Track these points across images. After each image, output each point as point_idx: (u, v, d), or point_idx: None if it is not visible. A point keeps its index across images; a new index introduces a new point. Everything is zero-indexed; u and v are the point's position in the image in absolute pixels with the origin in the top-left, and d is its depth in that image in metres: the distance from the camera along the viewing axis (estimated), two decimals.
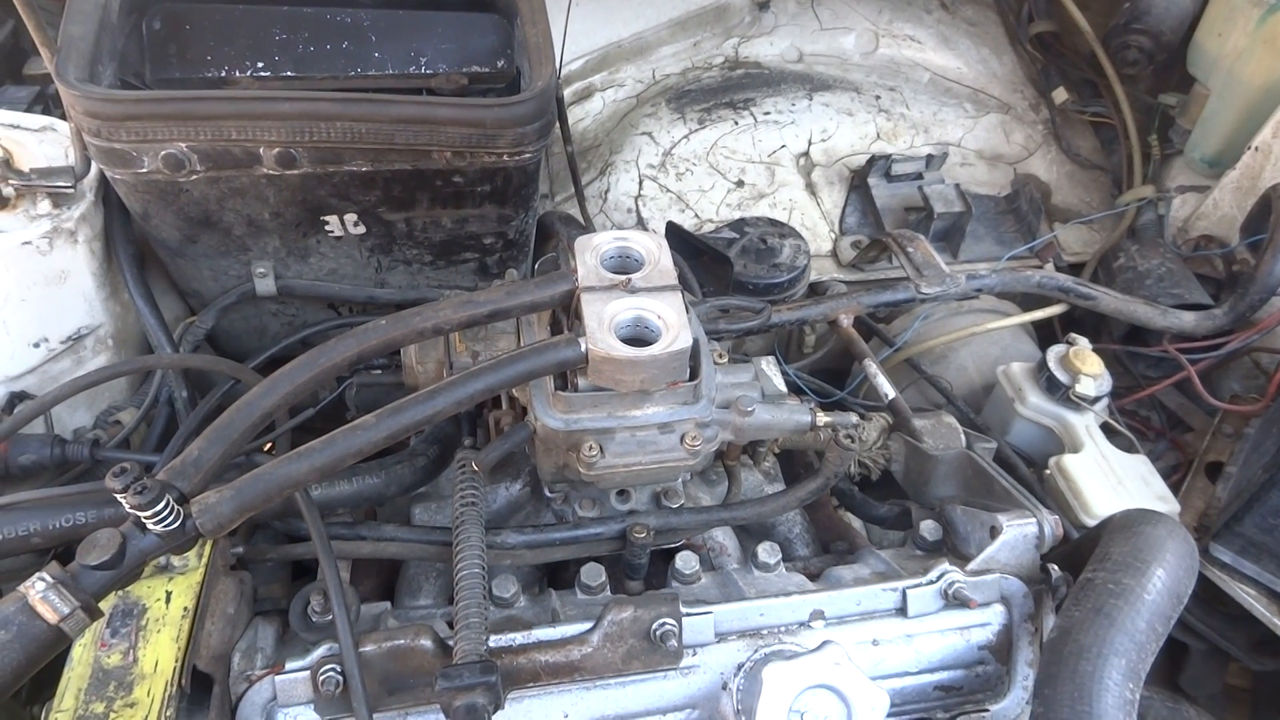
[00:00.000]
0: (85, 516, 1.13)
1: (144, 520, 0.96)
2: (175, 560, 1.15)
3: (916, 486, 1.51)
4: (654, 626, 1.13)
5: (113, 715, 1.00)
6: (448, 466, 1.43)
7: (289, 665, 1.10)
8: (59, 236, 1.40)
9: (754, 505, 1.33)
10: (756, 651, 1.17)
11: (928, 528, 1.37)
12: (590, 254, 1.21)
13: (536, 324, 1.29)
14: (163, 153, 1.33)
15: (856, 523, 1.70)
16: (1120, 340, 2.06)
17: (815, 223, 2.32)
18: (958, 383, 1.96)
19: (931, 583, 1.23)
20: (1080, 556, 1.27)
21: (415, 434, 1.47)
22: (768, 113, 2.49)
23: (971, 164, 2.48)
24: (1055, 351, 1.79)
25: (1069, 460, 1.69)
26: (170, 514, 0.97)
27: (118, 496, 0.95)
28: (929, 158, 2.32)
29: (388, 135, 1.36)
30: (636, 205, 2.34)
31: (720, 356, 1.37)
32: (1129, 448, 1.76)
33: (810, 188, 2.39)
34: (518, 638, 1.14)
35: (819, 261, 2.23)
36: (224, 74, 1.59)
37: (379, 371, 1.67)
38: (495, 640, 1.13)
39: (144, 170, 1.34)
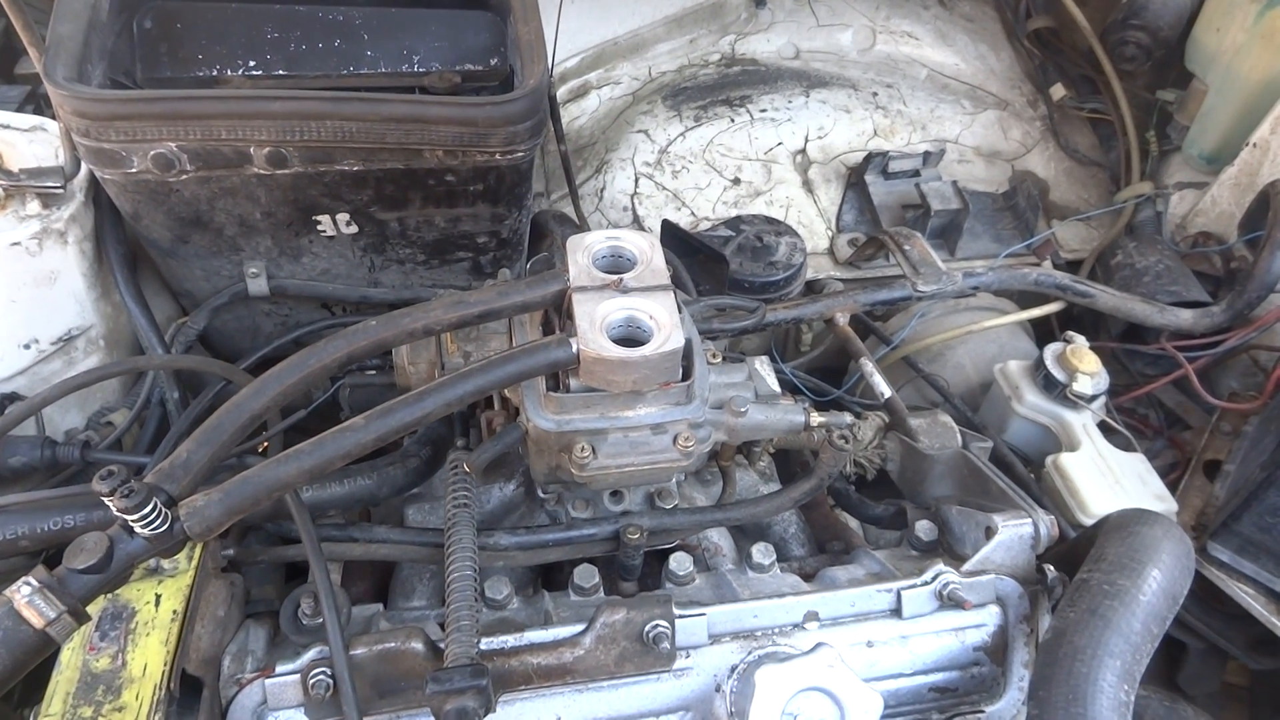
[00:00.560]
0: (74, 519, 1.12)
1: (131, 523, 0.95)
2: (165, 563, 1.14)
3: (912, 486, 1.50)
4: (647, 628, 1.13)
5: (101, 719, 0.99)
6: (441, 467, 1.43)
7: (279, 668, 1.09)
8: (48, 237, 1.39)
9: (748, 506, 1.32)
10: (750, 653, 1.16)
11: (923, 528, 1.36)
12: (582, 253, 1.20)
13: (529, 324, 1.28)
14: (152, 153, 1.32)
15: (853, 522, 1.70)
16: (1118, 338, 2.05)
17: (812, 220, 2.31)
18: (955, 381, 1.95)
19: (926, 584, 1.22)
20: (1077, 556, 1.26)
21: (408, 435, 1.47)
22: (764, 110, 2.48)
23: (969, 161, 2.47)
24: (1052, 349, 1.78)
25: (1066, 459, 1.68)
26: (158, 517, 0.96)
27: (105, 500, 0.94)
28: (926, 155, 2.31)
29: (379, 134, 1.35)
30: (632, 203, 2.33)
31: (714, 356, 1.37)
32: (1126, 446, 1.75)
33: (807, 185, 2.38)
34: (509, 640, 1.14)
35: (816, 259, 2.22)
36: (216, 73, 1.58)
37: (373, 372, 1.67)
38: (487, 642, 1.12)
39: (134, 170, 1.34)
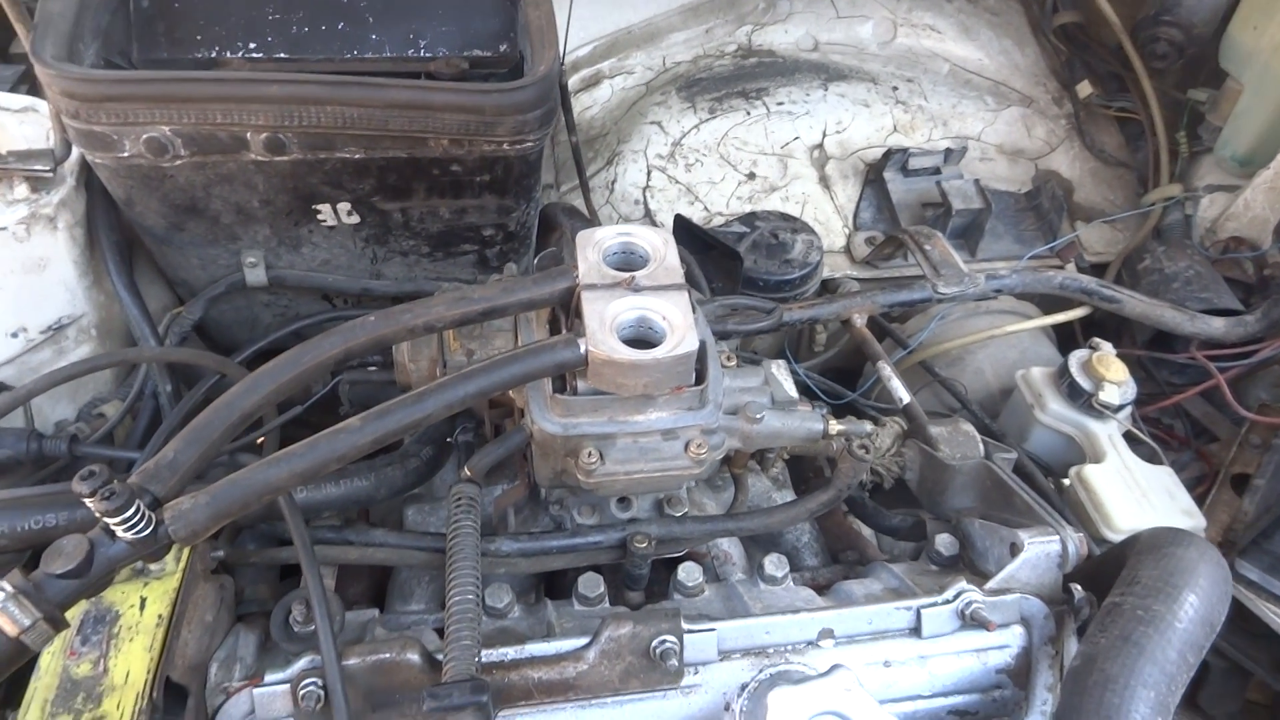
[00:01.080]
0: (56, 519, 1.08)
1: (113, 526, 0.90)
2: (152, 565, 1.09)
3: (931, 496, 1.44)
4: (654, 644, 1.07)
5: None
6: (442, 468, 1.37)
7: (268, 677, 1.04)
8: (37, 222, 1.34)
9: (761, 516, 1.27)
10: (762, 671, 1.11)
11: (944, 542, 1.30)
12: (592, 249, 1.15)
13: (535, 322, 1.22)
14: (145, 136, 1.26)
15: (867, 531, 1.64)
16: (1144, 346, 1.98)
17: (829, 217, 2.25)
18: (974, 387, 1.89)
19: (948, 602, 1.16)
20: (1103, 575, 1.20)
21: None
22: (781, 103, 2.42)
23: (991, 159, 2.40)
24: (1078, 356, 1.71)
25: (1090, 471, 1.62)
26: (141, 520, 0.91)
27: (85, 501, 0.89)
28: (947, 152, 2.24)
29: (381, 121, 1.30)
30: (644, 197, 2.27)
31: (728, 359, 1.31)
32: (1153, 458, 1.68)
33: (824, 181, 2.32)
34: (510, 652, 1.08)
35: (832, 258, 2.16)
36: (214, 55, 1.53)
37: (374, 369, 1.62)
38: (486, 655, 1.07)
39: (125, 154, 1.28)
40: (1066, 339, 2.08)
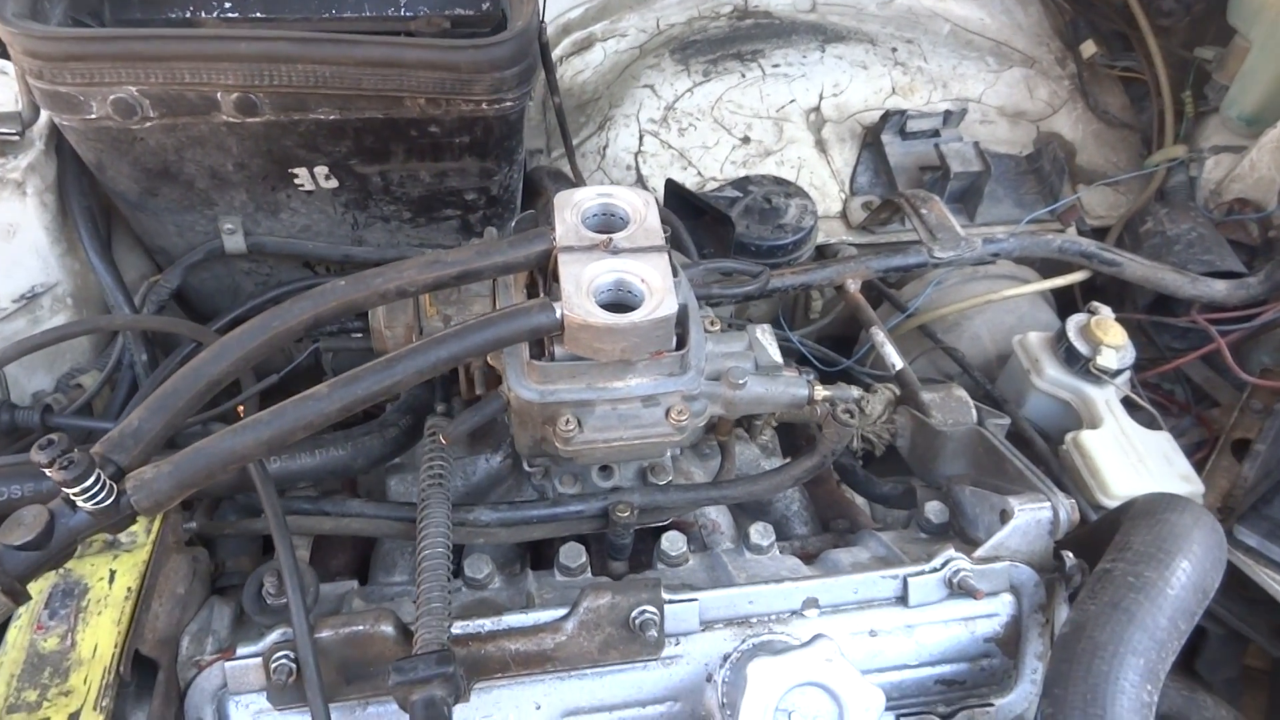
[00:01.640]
0: (21, 490, 1.06)
1: (73, 497, 0.88)
2: (122, 536, 1.08)
3: (923, 463, 1.41)
4: (633, 614, 1.06)
5: (46, 704, 0.93)
6: (422, 437, 1.35)
7: (240, 650, 1.02)
8: (5, 188, 1.31)
9: (745, 484, 1.24)
10: (744, 642, 1.09)
11: (933, 509, 1.28)
12: (570, 211, 1.11)
13: (513, 286, 1.19)
14: (112, 97, 1.23)
15: (860, 499, 1.61)
16: (1144, 310, 1.94)
17: (824, 182, 2.20)
18: (971, 352, 1.85)
19: (935, 570, 1.14)
20: (1097, 542, 1.18)
21: (389, 401, 1.39)
22: (777, 65, 2.36)
23: (992, 121, 2.34)
24: (1076, 321, 1.68)
25: (1087, 436, 1.59)
26: (101, 490, 0.89)
27: (44, 470, 0.87)
28: (947, 114, 2.19)
29: (354, 79, 1.25)
30: (636, 162, 2.22)
31: (712, 324, 1.28)
32: (1151, 424, 1.65)
33: (820, 145, 2.27)
34: (486, 624, 1.06)
35: (827, 223, 2.11)
36: (189, 14, 1.49)
37: (359, 336, 1.59)
38: (461, 626, 1.05)
39: (93, 116, 1.25)
40: (1066, 304, 2.03)
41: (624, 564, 1.27)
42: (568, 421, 1.09)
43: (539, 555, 1.37)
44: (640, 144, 2.24)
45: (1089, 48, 2.39)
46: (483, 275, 1.09)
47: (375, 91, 1.28)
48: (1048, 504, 1.17)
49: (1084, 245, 1.81)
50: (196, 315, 1.68)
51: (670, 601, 1.08)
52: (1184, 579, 1.04)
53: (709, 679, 1.09)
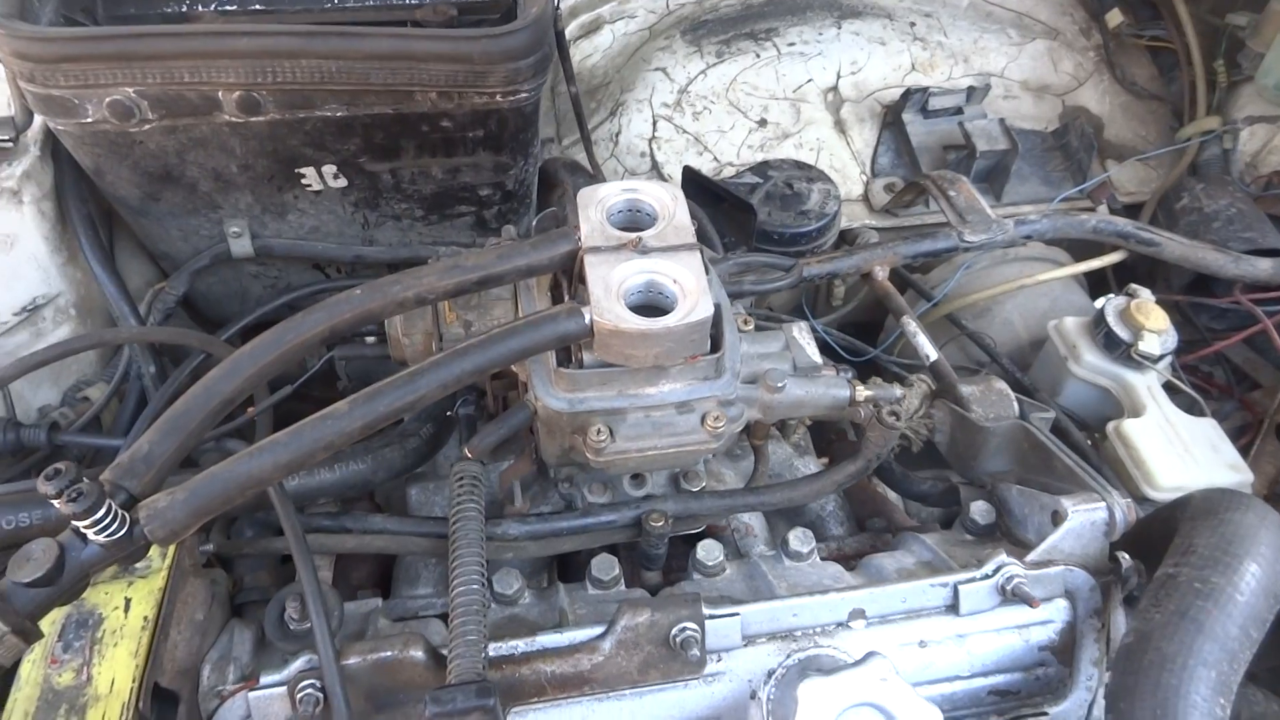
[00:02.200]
0: (29, 518, 1.01)
1: (83, 529, 0.83)
2: (136, 563, 1.03)
3: (963, 460, 1.36)
4: (674, 632, 1.01)
5: None
6: (444, 446, 1.30)
7: (264, 679, 0.98)
8: (0, 197, 1.25)
9: (784, 490, 1.19)
10: (789, 656, 1.04)
11: (979, 510, 1.23)
12: (595, 208, 1.05)
13: (536, 290, 1.13)
14: (108, 99, 1.17)
15: (893, 496, 1.56)
16: (1183, 290, 1.88)
17: (845, 164, 2.13)
18: (1002, 339, 1.79)
19: (987, 577, 1.09)
20: (1150, 540, 1.12)
21: None
22: (792, 44, 2.28)
23: (1016, 96, 2.27)
24: (1114, 304, 1.61)
25: (1130, 425, 1.52)
26: (114, 521, 0.84)
27: (53, 503, 0.82)
28: (969, 90, 2.12)
29: (362, 74, 1.19)
30: (650, 148, 2.15)
31: (745, 323, 1.22)
32: (1194, 409, 1.59)
33: (839, 126, 2.20)
34: (520, 645, 1.02)
35: (849, 207, 2.05)
36: (185, 9, 1.42)
37: (373, 340, 1.53)
38: (495, 648, 1.01)
39: (89, 120, 1.19)
40: (1098, 286, 1.97)
41: (658, 574, 1.23)
42: (599, 431, 1.03)
43: (565, 563, 1.32)
44: (654, 130, 2.17)
45: (1114, 17, 2.31)
46: (505, 280, 1.04)
47: (384, 86, 1.22)
48: (1102, 504, 1.11)
49: (1120, 225, 1.74)
50: (204, 321, 1.63)
51: (711, 616, 1.03)
52: (1253, 584, 0.99)
53: (753, 695, 1.04)
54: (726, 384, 1.05)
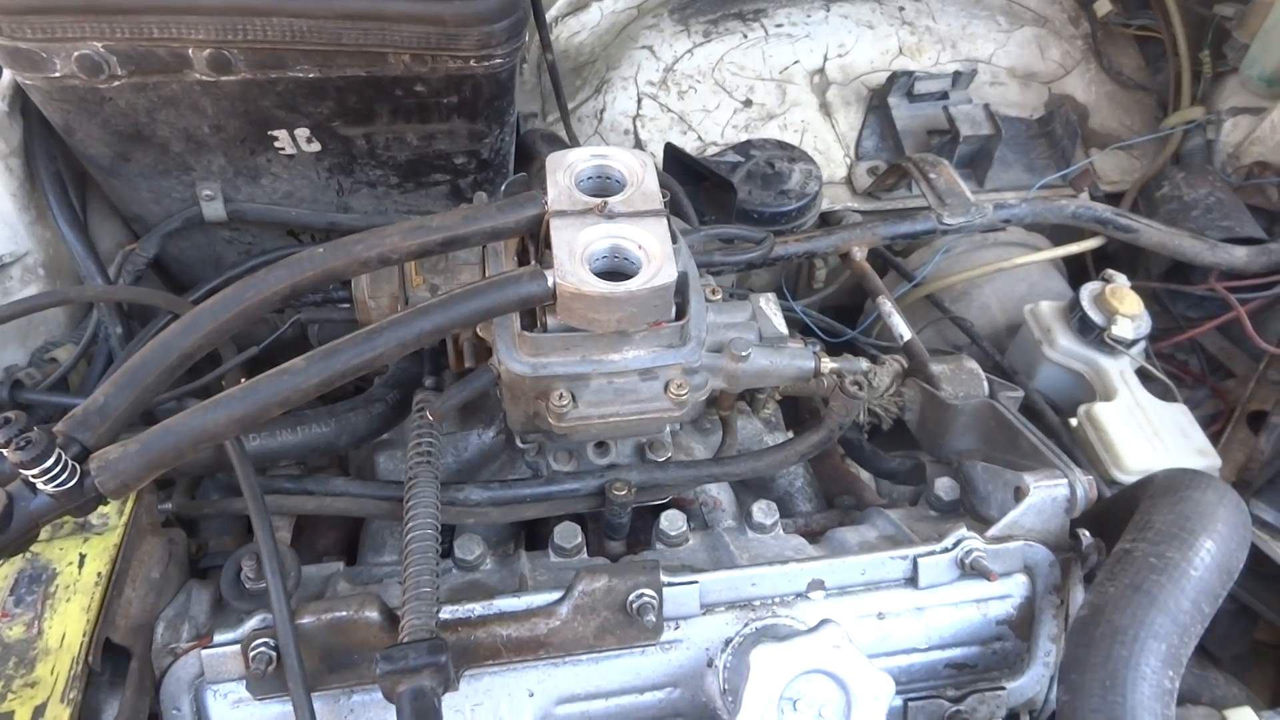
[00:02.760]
0: None
1: (32, 479, 0.83)
2: (94, 518, 1.02)
3: (932, 437, 1.36)
4: (630, 598, 1.01)
5: (11, 696, 0.88)
6: (411, 412, 1.29)
7: (218, 637, 0.98)
8: None
9: (748, 460, 1.19)
10: (747, 626, 1.04)
11: (944, 486, 1.23)
12: (563, 173, 1.05)
13: (503, 253, 1.13)
14: (76, 54, 1.16)
15: (865, 474, 1.56)
16: (1160, 277, 1.88)
17: (829, 146, 2.13)
18: (980, 322, 1.80)
19: (946, 550, 1.09)
20: (1113, 519, 1.13)
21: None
22: (780, 25, 2.27)
23: (1002, 83, 2.26)
24: (1090, 289, 1.62)
25: (1101, 409, 1.53)
26: (63, 471, 0.83)
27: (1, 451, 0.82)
28: (956, 75, 2.11)
29: (334, 34, 1.18)
30: (634, 126, 2.15)
31: (713, 293, 1.22)
32: (1166, 395, 1.60)
33: (825, 108, 2.19)
34: (477, 608, 1.02)
35: (832, 189, 2.04)
36: None
37: (346, 306, 1.53)
38: (451, 611, 1.01)
39: (57, 74, 1.18)
40: (1078, 272, 1.97)
41: (621, 544, 1.23)
42: (561, 396, 1.03)
43: (534, 534, 1.32)
44: (639, 107, 2.16)
45: (1103, 5, 2.31)
46: (470, 241, 1.03)
47: (356, 47, 1.21)
48: (1064, 480, 1.12)
49: (1098, 211, 1.75)
50: (177, 285, 1.62)
51: (669, 584, 1.03)
52: (1208, 559, 0.99)
53: (710, 664, 1.04)
54: (691, 352, 1.04)
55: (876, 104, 2.16)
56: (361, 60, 1.23)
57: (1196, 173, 1.94)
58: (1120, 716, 0.88)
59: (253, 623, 0.97)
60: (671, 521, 1.16)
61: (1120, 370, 1.59)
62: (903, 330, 1.45)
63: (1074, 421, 1.56)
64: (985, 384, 1.32)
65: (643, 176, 1.06)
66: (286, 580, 0.97)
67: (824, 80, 2.23)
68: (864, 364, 1.21)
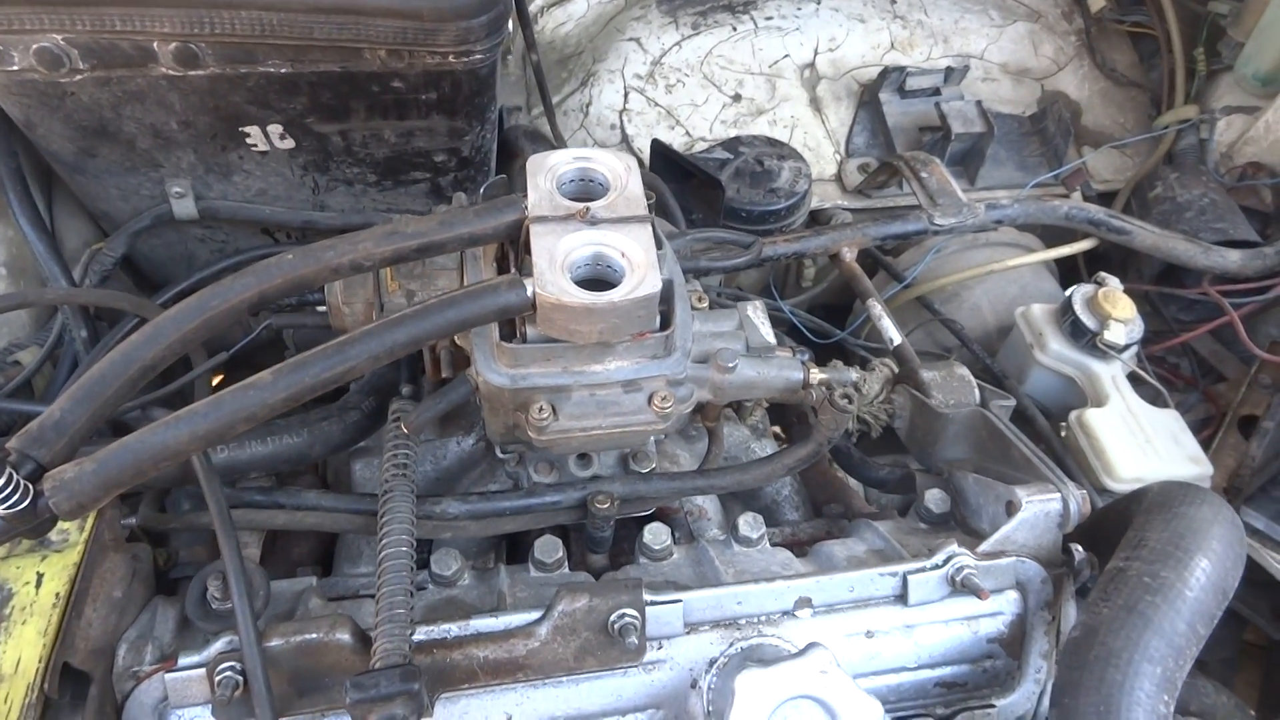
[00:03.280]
0: None
1: None
2: (53, 534, 0.98)
3: (922, 446, 1.33)
4: (612, 618, 0.97)
5: None
6: (386, 420, 1.25)
7: (183, 660, 0.94)
8: None
9: (734, 473, 1.16)
10: (732, 645, 1.01)
11: (934, 498, 1.20)
12: (544, 176, 1.01)
13: (482, 259, 1.09)
14: (35, 46, 1.11)
15: (854, 481, 1.53)
16: (1153, 280, 1.86)
17: (819, 143, 2.09)
18: (970, 324, 1.77)
19: (937, 567, 1.06)
20: (1105, 531, 1.10)
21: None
22: (770, 18, 2.23)
23: (995, 79, 2.23)
24: (1082, 292, 1.59)
25: (1092, 415, 1.51)
26: (15, 492, 0.80)
27: None
28: (948, 71, 2.08)
29: (306, 28, 1.13)
30: (621, 121, 2.10)
31: (699, 300, 1.18)
32: (1158, 401, 1.58)
33: (815, 103, 2.15)
34: (453, 629, 0.98)
35: (822, 186, 2.01)
36: None
37: (322, 309, 1.48)
38: (427, 631, 0.97)
39: (15, 68, 1.13)
40: (1070, 274, 1.95)
41: (604, 557, 1.19)
42: (541, 409, 0.99)
43: (515, 544, 1.29)
44: (625, 101, 2.12)
45: (1097, 1, 2.28)
46: (446, 248, 0.99)
47: (330, 41, 1.16)
48: (1057, 495, 1.09)
49: (1092, 212, 1.72)
50: (148, 286, 1.57)
51: (652, 603, 1.00)
52: (1203, 579, 0.97)
53: (694, 685, 1.01)
54: (676, 363, 1.01)
55: (867, 100, 2.12)
56: (335, 55, 1.19)
57: (1190, 173, 1.92)
58: None
59: (219, 645, 0.93)
60: (655, 535, 1.13)
61: (1112, 375, 1.57)
62: (893, 334, 1.42)
63: (1064, 427, 1.54)
64: (976, 391, 1.29)
65: (627, 180, 1.02)
66: (254, 600, 0.93)
67: (814, 75, 2.20)
68: (853, 374, 1.18)
